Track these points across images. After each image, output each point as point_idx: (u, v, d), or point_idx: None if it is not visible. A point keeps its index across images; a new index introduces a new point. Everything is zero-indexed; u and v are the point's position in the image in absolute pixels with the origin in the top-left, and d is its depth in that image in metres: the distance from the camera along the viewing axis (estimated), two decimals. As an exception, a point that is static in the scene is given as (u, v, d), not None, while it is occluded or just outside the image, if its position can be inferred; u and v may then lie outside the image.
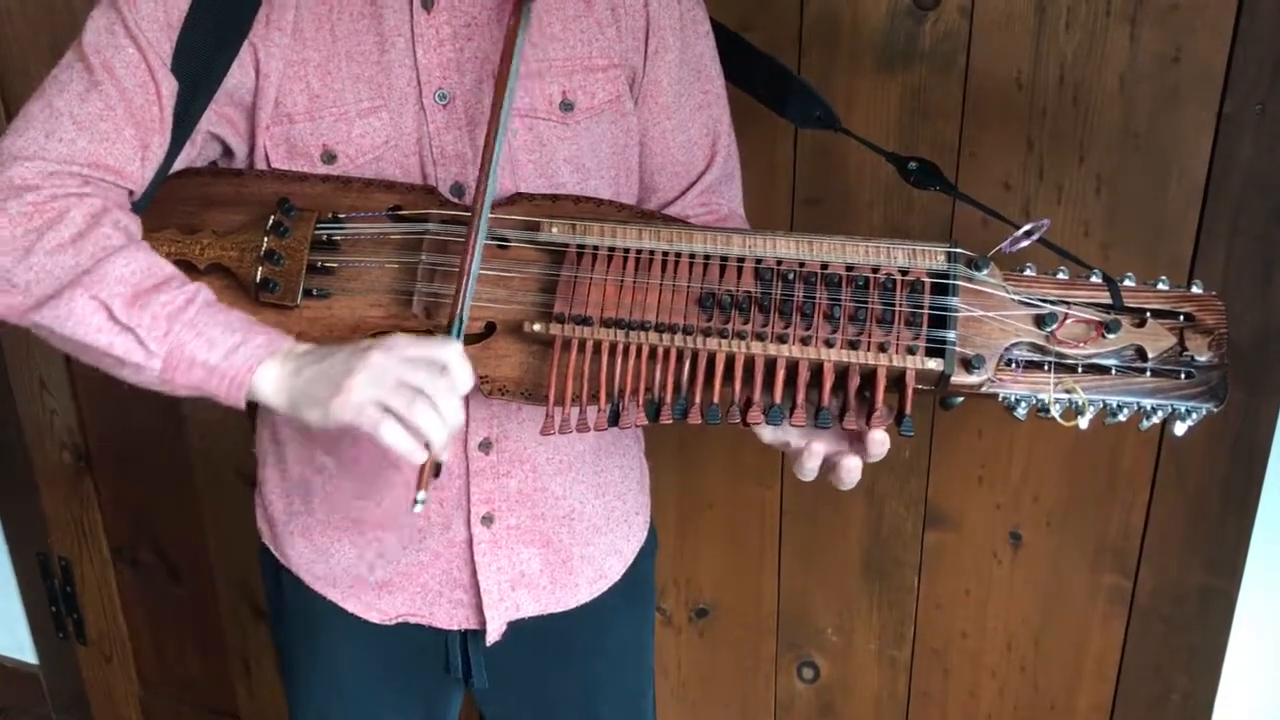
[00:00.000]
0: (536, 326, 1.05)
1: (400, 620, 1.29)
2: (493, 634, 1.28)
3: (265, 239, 1.10)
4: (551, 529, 1.27)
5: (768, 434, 1.05)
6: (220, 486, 2.09)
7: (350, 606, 1.28)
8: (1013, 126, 1.43)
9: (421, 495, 1.01)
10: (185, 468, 2.10)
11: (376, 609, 1.28)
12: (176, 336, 1.02)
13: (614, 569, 1.34)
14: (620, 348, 1.04)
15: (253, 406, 1.07)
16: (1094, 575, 1.61)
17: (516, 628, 1.29)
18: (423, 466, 1.00)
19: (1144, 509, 1.55)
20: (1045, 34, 1.38)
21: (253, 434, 1.35)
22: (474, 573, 1.25)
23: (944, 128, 1.46)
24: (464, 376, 1.01)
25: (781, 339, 1.01)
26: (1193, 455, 1.49)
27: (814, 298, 1.02)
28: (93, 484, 2.24)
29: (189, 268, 1.11)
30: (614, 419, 1.03)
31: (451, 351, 1.00)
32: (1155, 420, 1.02)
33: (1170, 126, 1.37)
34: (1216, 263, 1.40)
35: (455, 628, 1.29)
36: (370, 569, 1.26)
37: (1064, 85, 1.39)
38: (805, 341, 1.01)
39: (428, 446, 0.99)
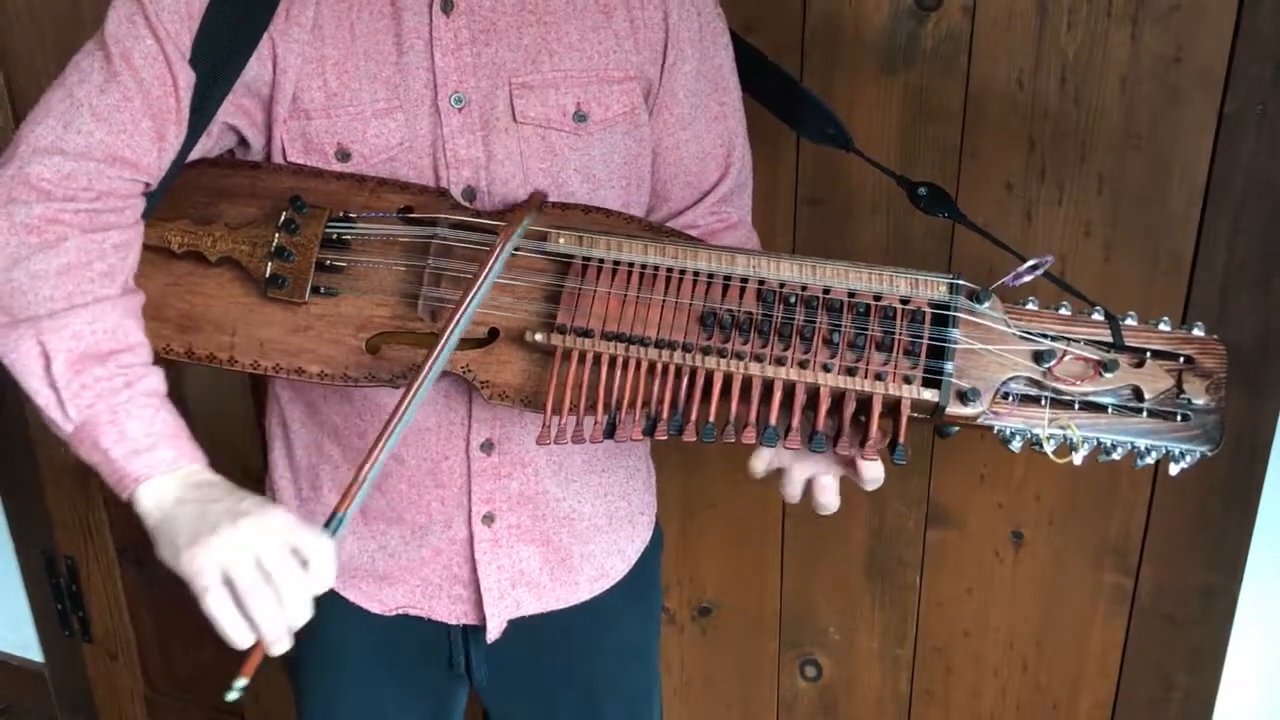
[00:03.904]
0: (538, 336, 1.06)
1: (400, 612, 1.29)
2: (493, 631, 1.29)
3: (276, 235, 1.11)
4: (552, 529, 1.28)
5: (760, 465, 1.07)
6: (225, 485, 2.09)
7: (351, 596, 1.29)
8: (1014, 126, 1.44)
9: (240, 682, 0.97)
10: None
11: (377, 600, 1.29)
12: (95, 414, 1.03)
13: (616, 568, 1.34)
14: (620, 361, 1.04)
15: (261, 387, 1.07)
16: (1095, 574, 1.62)
17: (518, 625, 1.30)
18: (251, 650, 0.98)
19: (1145, 508, 1.55)
20: (1047, 34, 1.38)
21: (257, 431, 1.35)
22: (474, 570, 1.26)
23: (945, 128, 1.47)
24: (323, 577, 0.99)
25: (780, 361, 1.02)
26: (1199, 461, 1.49)
27: (814, 322, 1.03)
28: (98, 483, 2.23)
29: (200, 259, 1.12)
30: (610, 432, 1.04)
31: (322, 547, 0.99)
32: (1149, 460, 1.02)
33: (1171, 126, 1.37)
34: (1217, 262, 1.40)
35: (454, 622, 1.30)
36: (371, 561, 1.27)
37: (1065, 85, 1.40)
38: (803, 365, 1.02)
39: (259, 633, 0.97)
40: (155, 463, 1.03)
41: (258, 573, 0.97)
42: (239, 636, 0.98)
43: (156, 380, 1.07)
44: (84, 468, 2.28)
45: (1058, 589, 1.65)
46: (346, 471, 1.24)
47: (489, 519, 1.24)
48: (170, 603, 2.32)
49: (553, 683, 1.37)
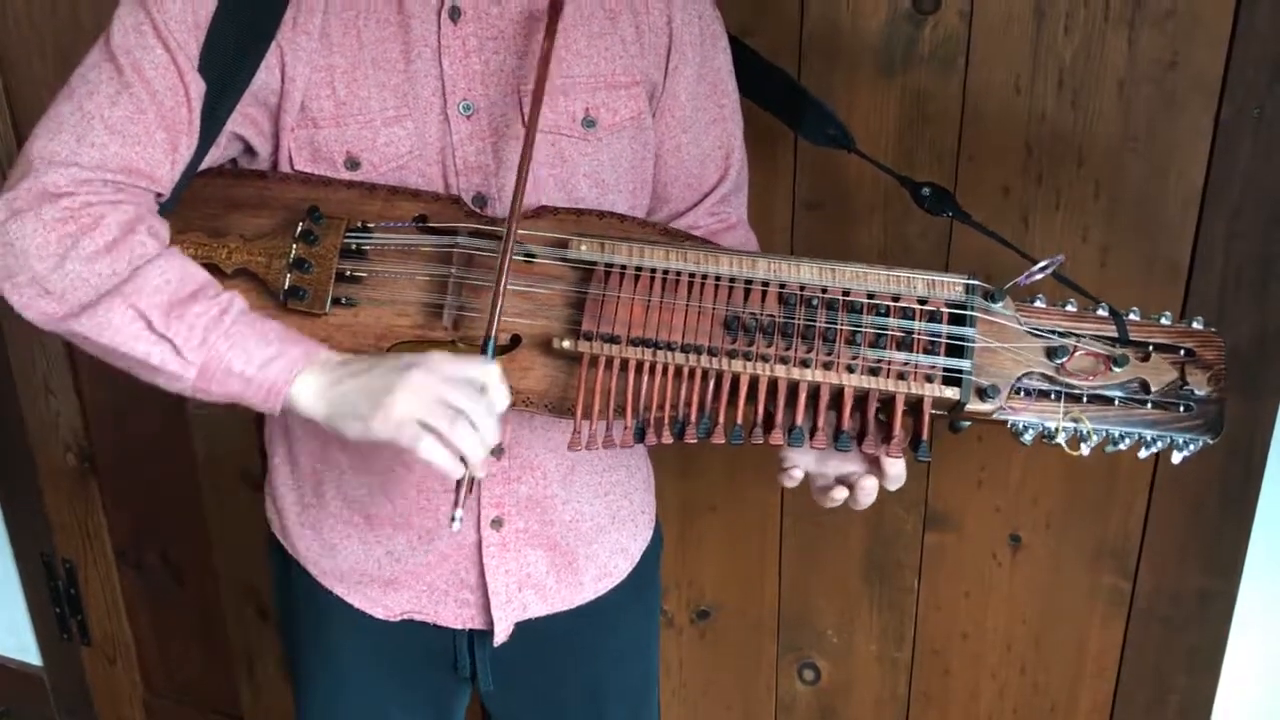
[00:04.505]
0: (566, 343, 1.07)
1: (405, 617, 1.30)
2: (500, 635, 1.29)
3: (294, 246, 1.11)
4: (559, 533, 1.28)
5: (798, 474, 1.10)
6: (224, 489, 2.10)
7: (355, 602, 1.30)
8: (1011, 131, 1.44)
9: (459, 513, 1.03)
10: (189, 470, 2.10)
11: (382, 605, 1.29)
12: (213, 347, 1.04)
13: (620, 567, 1.35)
14: (647, 366, 1.06)
15: None
16: (1093, 576, 1.62)
17: (523, 627, 1.30)
18: (459, 483, 1.03)
19: (1143, 511, 1.56)
20: (1044, 39, 1.39)
21: (257, 435, 1.35)
22: (481, 574, 1.26)
23: (943, 132, 1.47)
24: (502, 397, 1.03)
25: (804, 363, 1.04)
26: (1201, 449, 1.49)
27: (836, 324, 1.05)
28: (97, 486, 2.25)
29: (215, 271, 1.12)
30: (640, 436, 1.06)
31: (491, 372, 1.03)
32: (1155, 450, 1.05)
33: (1168, 131, 1.38)
34: (1214, 266, 1.40)
35: (460, 626, 1.30)
36: (377, 566, 1.27)
37: (1063, 90, 1.40)
38: (827, 366, 1.04)
39: (465, 463, 1.02)
40: (291, 361, 1.05)
41: (448, 410, 1.00)
42: (455, 469, 1.02)
43: (240, 299, 1.08)
44: (82, 472, 2.28)
45: (1055, 591, 1.65)
46: (352, 479, 1.24)
47: (498, 523, 1.25)
48: (168, 606, 2.32)
49: (557, 683, 1.37)
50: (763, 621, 1.84)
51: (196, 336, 1.04)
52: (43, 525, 2.32)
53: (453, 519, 1.04)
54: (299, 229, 1.11)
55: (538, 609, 1.30)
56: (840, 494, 1.10)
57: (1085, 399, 1.04)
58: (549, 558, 1.28)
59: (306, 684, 1.39)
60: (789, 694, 1.88)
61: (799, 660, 1.85)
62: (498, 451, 1.21)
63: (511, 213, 1.06)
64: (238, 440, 2.00)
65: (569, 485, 1.27)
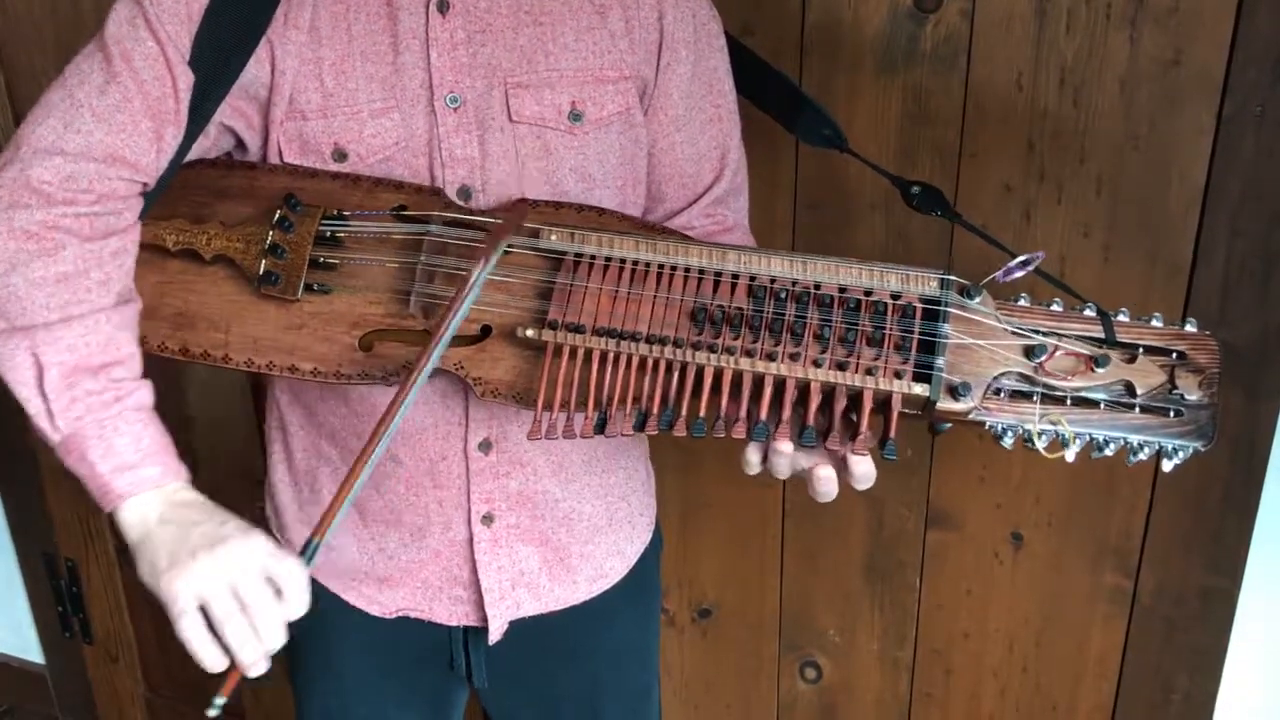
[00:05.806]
0: (529, 332, 1.06)
1: (400, 614, 1.30)
2: (495, 633, 1.29)
3: (270, 232, 1.12)
4: (550, 529, 1.28)
5: (755, 458, 1.04)
6: (224, 488, 2.07)
7: (351, 599, 1.30)
8: (1013, 128, 1.44)
9: (218, 700, 0.99)
10: (190, 469, 2.10)
11: (377, 603, 1.29)
12: (83, 428, 1.04)
13: (615, 569, 1.34)
14: (611, 357, 1.05)
15: (260, 392, 1.08)
16: (1095, 576, 1.62)
17: (518, 626, 1.30)
18: (226, 673, 1.00)
19: (1145, 510, 1.55)
20: (1045, 37, 1.39)
21: (258, 434, 1.36)
22: (474, 570, 1.26)
23: (945, 130, 1.47)
24: (297, 603, 1.01)
25: (770, 357, 1.02)
26: (1193, 456, 1.49)
27: (805, 317, 1.02)
28: (98, 485, 2.25)
29: (195, 257, 1.13)
30: (600, 427, 1.04)
31: (296, 575, 1.01)
32: (1142, 456, 1.01)
33: (1170, 129, 1.38)
34: (1216, 264, 1.40)
35: (455, 623, 1.30)
36: (371, 563, 1.27)
37: (1064, 87, 1.40)
38: (794, 359, 1.01)
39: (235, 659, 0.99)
40: (140, 480, 1.05)
41: (233, 601, 0.99)
42: (211, 661, 1.00)
43: (145, 394, 1.08)
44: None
45: (1057, 590, 1.65)
46: (344, 471, 1.24)
47: (488, 519, 1.24)
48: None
49: (552, 682, 1.37)
50: (764, 620, 1.84)
51: (75, 411, 1.04)
52: (45, 524, 2.33)
53: (210, 705, 0.99)
54: (276, 215, 1.12)
55: (531, 607, 1.30)
56: (783, 471, 1.05)
57: (1069, 401, 1.00)
58: (541, 553, 1.28)
59: (306, 683, 1.39)
60: (790, 693, 1.88)
61: (800, 659, 1.85)
62: (485, 447, 1.21)
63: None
64: (238, 440, 2.00)
65: (563, 482, 1.27)
